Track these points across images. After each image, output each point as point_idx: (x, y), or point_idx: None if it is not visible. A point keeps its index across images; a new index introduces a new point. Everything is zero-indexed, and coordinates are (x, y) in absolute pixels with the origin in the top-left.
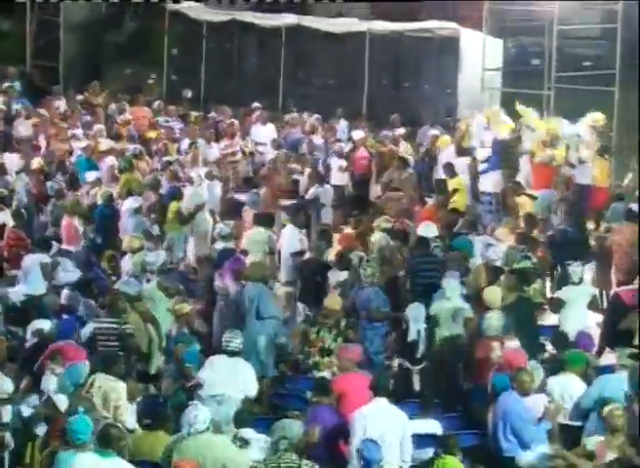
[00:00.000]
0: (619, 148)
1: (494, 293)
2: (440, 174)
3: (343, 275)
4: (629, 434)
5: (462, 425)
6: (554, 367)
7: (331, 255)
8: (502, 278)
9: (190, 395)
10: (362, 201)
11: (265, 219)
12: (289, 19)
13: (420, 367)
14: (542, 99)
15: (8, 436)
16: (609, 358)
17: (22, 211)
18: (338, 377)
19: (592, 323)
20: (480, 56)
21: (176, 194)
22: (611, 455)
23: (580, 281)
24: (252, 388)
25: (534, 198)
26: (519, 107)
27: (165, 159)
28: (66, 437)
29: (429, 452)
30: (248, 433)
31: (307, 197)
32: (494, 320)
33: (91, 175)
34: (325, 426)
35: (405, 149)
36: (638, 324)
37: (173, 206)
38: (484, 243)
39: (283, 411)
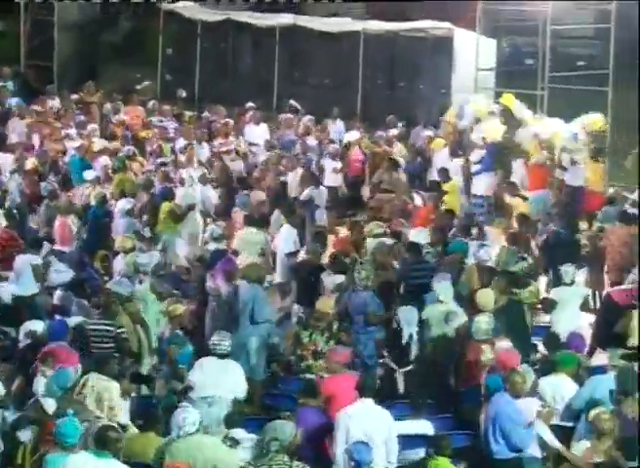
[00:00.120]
0: (612, 149)
1: (486, 296)
2: (434, 175)
3: (337, 278)
4: (616, 437)
5: (454, 426)
6: (546, 367)
7: (325, 258)
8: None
9: (181, 397)
10: (356, 202)
11: (257, 220)
12: (284, 18)
13: (406, 369)
14: (536, 99)
15: None
16: (600, 358)
17: (15, 211)
18: (326, 380)
19: (585, 323)
20: (474, 55)
21: (167, 195)
22: (597, 460)
23: (573, 282)
24: (242, 389)
25: (525, 199)
26: (504, 98)
27: (159, 160)
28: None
29: (421, 453)
30: (238, 433)
31: (302, 198)
32: (482, 323)
33: (90, 174)
34: (311, 427)
35: (399, 150)
36: (632, 324)
37: (165, 206)
38: (477, 243)
39: (275, 412)
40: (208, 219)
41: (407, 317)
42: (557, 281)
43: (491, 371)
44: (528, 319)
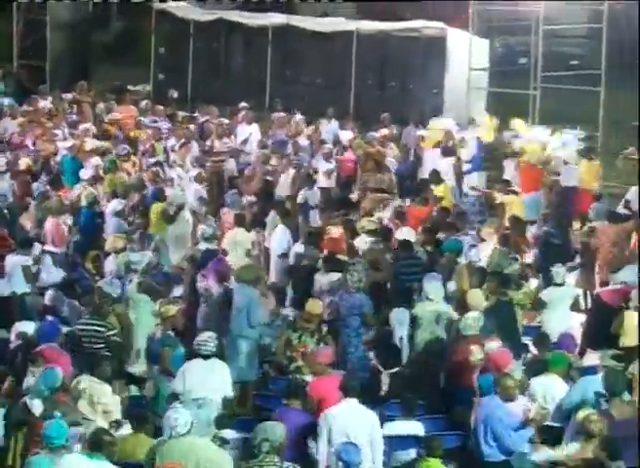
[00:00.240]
0: (604, 149)
1: (477, 296)
2: (425, 174)
3: (332, 276)
4: (602, 437)
5: (445, 427)
6: (537, 368)
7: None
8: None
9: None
10: (348, 202)
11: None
12: (276, 18)
13: (392, 371)
14: (529, 99)
15: None
16: (591, 359)
17: (5, 211)
18: (313, 382)
19: (576, 323)
20: (466, 55)
21: (158, 195)
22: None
23: (563, 282)
24: (229, 388)
25: (516, 193)
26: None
27: (152, 160)
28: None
29: (412, 454)
30: (228, 433)
31: (298, 201)
32: (470, 320)
33: (86, 173)
34: (293, 428)
35: (392, 150)
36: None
37: (156, 207)
38: (468, 243)
39: (266, 413)
40: (199, 219)
41: (399, 318)
42: (548, 281)
43: (483, 372)
44: (519, 319)
